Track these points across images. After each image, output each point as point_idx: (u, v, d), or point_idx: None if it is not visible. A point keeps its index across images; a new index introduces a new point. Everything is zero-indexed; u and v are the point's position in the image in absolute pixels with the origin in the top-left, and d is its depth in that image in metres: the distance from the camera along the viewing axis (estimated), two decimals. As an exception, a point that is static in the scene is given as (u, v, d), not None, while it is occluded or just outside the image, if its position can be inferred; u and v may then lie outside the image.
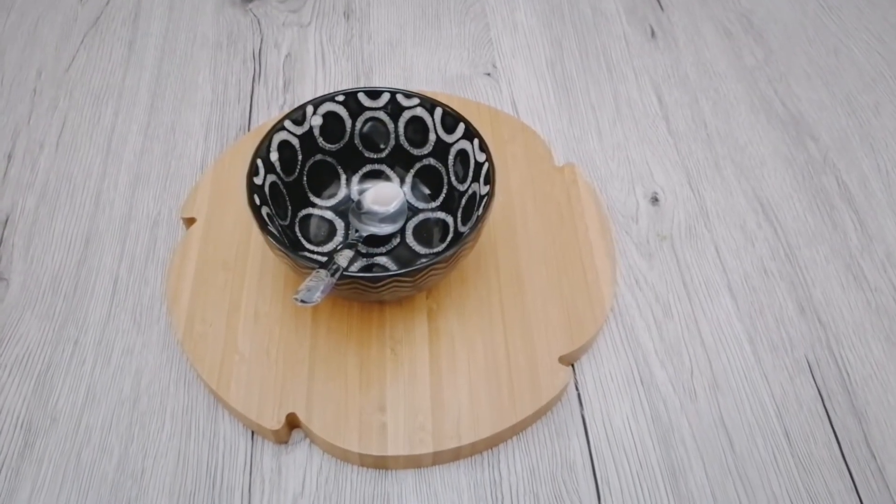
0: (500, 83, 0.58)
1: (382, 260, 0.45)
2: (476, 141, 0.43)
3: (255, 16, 0.61)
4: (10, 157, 0.51)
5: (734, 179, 0.52)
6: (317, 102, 0.44)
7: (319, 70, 0.58)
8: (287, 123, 0.43)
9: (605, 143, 0.54)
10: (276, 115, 0.54)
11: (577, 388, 0.42)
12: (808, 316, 0.45)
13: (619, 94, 0.57)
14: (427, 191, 0.47)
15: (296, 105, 0.55)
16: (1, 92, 0.55)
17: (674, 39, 0.62)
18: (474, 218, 0.41)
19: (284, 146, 0.43)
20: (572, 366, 0.43)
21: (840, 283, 0.47)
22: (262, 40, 0.60)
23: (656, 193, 0.51)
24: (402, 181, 0.47)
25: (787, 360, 0.43)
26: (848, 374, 0.43)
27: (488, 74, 0.58)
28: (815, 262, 0.48)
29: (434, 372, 0.41)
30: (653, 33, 0.62)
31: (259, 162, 0.41)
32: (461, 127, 0.44)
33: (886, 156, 0.53)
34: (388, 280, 0.37)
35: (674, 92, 0.58)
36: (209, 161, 0.52)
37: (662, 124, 0.55)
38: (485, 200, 0.40)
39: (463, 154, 0.44)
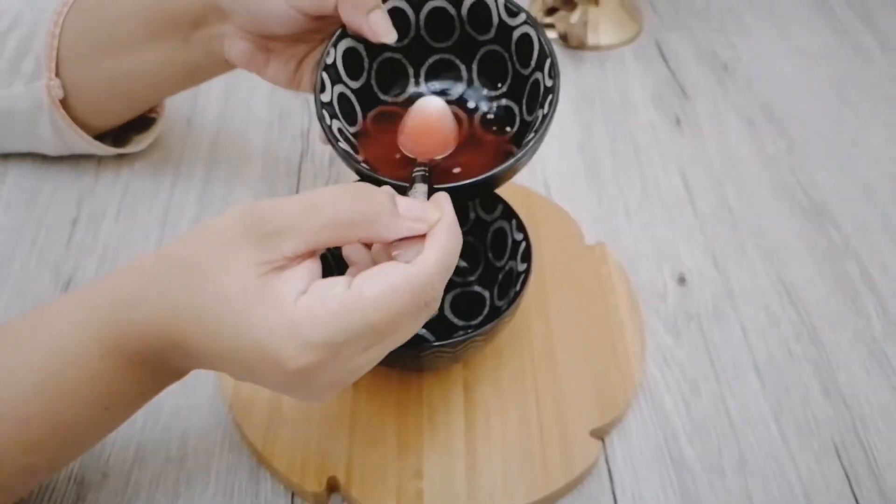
0: (533, 165, 0.61)
1: (420, 331, 0.47)
2: (514, 221, 0.46)
3: (305, 97, 0.66)
4: (74, 222, 0.55)
5: (759, 262, 0.54)
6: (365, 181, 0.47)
7: (363, 148, 0.61)
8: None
9: (634, 223, 0.57)
10: (322, 190, 0.58)
11: (607, 463, 0.44)
12: (833, 399, 0.46)
13: (647, 176, 0.60)
14: (465, 265, 0.49)
15: (341, 181, 0.59)
16: (70, 162, 0.59)
17: (698, 127, 0.65)
18: (512, 294, 0.43)
19: None
20: (602, 440, 0.44)
21: (864, 368, 0.48)
22: (310, 119, 0.64)
23: (683, 274, 0.53)
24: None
25: (814, 441, 0.44)
26: (875, 458, 0.44)
27: (522, 156, 0.61)
28: (839, 347, 0.49)
29: (469, 441, 0.43)
30: (678, 121, 0.65)
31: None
32: (500, 207, 0.47)
33: (907, 243, 0.55)
34: (431, 350, 0.39)
35: (699, 177, 0.60)
36: (259, 231, 0.55)
37: (688, 207, 0.58)
38: (522, 277, 0.43)
39: (500, 232, 0.47)
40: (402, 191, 0.35)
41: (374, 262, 0.33)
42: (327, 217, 0.29)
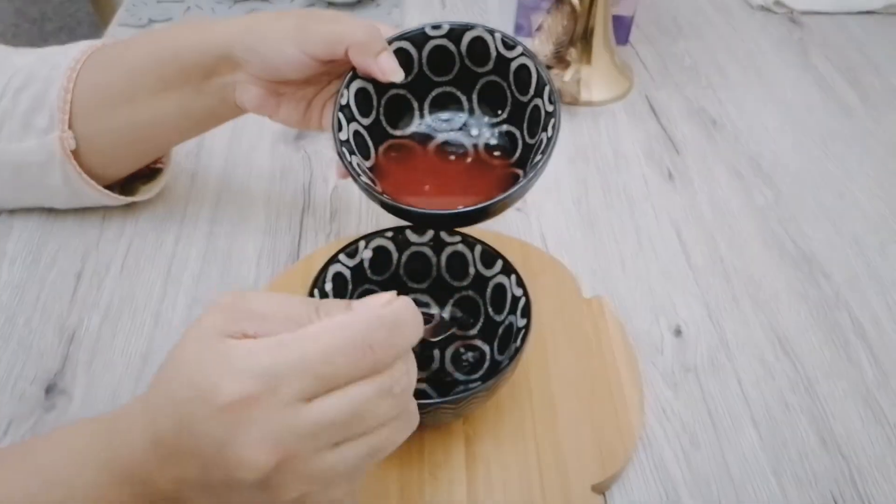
0: (529, 218, 0.62)
1: (421, 386, 0.48)
2: (513, 277, 0.47)
3: (306, 152, 0.67)
4: (79, 277, 0.56)
5: (752, 313, 0.55)
6: (368, 238, 0.49)
7: (364, 203, 0.63)
8: (341, 256, 0.48)
9: (629, 275, 0.58)
10: (322, 244, 0.59)
11: (608, 517, 0.44)
12: (830, 450, 0.47)
13: (641, 229, 0.62)
14: (466, 319, 0.50)
15: (341, 235, 0.60)
16: (75, 216, 0.60)
17: (689, 180, 0.67)
18: (512, 349, 0.44)
19: (338, 277, 0.47)
20: (604, 494, 0.45)
21: (859, 418, 0.49)
22: (311, 174, 0.65)
23: (679, 325, 0.54)
24: (442, 309, 0.51)
25: (813, 493, 0.45)
26: (873, 509, 0.44)
27: (519, 210, 0.63)
28: (833, 397, 0.50)
29: (471, 496, 0.43)
30: (670, 175, 0.67)
31: (315, 292, 0.45)
32: (499, 263, 0.48)
33: (895, 293, 0.57)
34: (433, 406, 0.40)
35: (691, 229, 0.62)
36: (261, 286, 0.56)
37: (682, 259, 0.59)
38: (522, 333, 0.44)
39: (500, 288, 0.48)
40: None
41: None
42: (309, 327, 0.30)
